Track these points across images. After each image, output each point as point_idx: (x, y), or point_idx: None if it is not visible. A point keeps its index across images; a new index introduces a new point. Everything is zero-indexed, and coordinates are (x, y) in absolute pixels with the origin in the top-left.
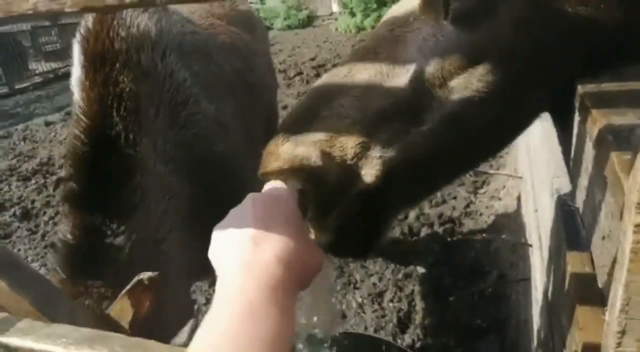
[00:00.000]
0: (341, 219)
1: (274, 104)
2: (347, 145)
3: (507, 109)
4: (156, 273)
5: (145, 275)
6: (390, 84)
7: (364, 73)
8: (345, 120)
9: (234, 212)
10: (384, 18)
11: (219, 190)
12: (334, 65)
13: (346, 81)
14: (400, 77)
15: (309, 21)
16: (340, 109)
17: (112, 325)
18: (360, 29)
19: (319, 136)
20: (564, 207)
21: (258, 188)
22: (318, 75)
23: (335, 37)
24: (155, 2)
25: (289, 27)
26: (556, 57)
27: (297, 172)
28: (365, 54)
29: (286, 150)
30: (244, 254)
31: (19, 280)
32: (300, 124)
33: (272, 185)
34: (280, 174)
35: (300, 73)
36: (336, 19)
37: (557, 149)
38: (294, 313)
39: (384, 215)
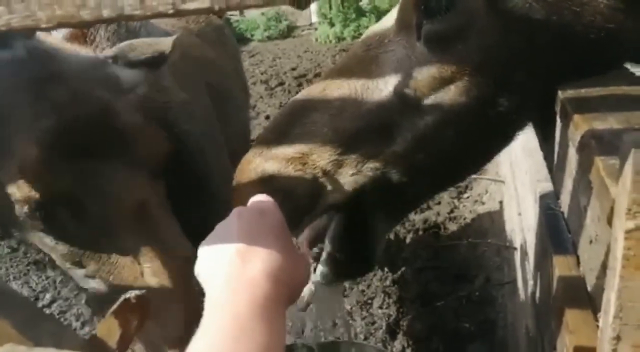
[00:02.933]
0: (333, 244)
1: (246, 121)
2: (319, 162)
3: (483, 127)
4: (144, 291)
5: (132, 293)
6: (364, 103)
7: (338, 91)
8: (319, 137)
9: (220, 227)
10: (361, 38)
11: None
12: (316, 75)
13: (321, 99)
14: (374, 96)
15: (289, 32)
16: (313, 126)
17: (98, 346)
18: (339, 38)
19: (292, 152)
20: (548, 210)
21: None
22: (300, 85)
23: (315, 47)
24: (133, 16)
25: (269, 38)
26: (530, 74)
27: (266, 187)
28: (340, 73)
29: (257, 166)
30: (232, 270)
31: (1, 302)
32: (274, 140)
33: (258, 198)
34: (250, 188)
35: (281, 83)
36: (316, 29)
37: (539, 152)
38: (284, 327)
39: (372, 233)
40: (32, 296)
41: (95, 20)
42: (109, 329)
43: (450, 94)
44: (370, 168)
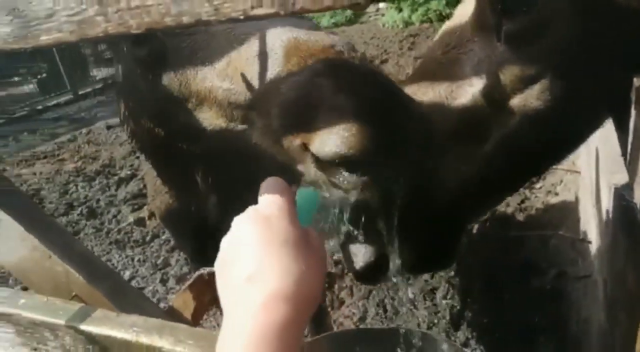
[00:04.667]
0: (419, 239)
1: None
2: (412, 166)
3: (570, 122)
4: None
5: (205, 270)
6: (451, 107)
7: (424, 97)
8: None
9: (236, 228)
10: (439, 35)
11: None
12: (382, 62)
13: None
14: (459, 99)
15: (356, 18)
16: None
17: (175, 316)
18: (407, 23)
19: None
20: (623, 202)
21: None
22: None
23: (382, 33)
24: (209, 22)
25: (336, 25)
26: (614, 63)
27: None
28: (422, 77)
29: None
30: (242, 295)
31: (94, 273)
32: None
33: (267, 195)
34: None
35: None
36: (383, 15)
37: (615, 143)
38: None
39: (457, 227)
40: None
41: (177, 25)
42: (184, 301)
43: (534, 93)
44: (463, 170)
